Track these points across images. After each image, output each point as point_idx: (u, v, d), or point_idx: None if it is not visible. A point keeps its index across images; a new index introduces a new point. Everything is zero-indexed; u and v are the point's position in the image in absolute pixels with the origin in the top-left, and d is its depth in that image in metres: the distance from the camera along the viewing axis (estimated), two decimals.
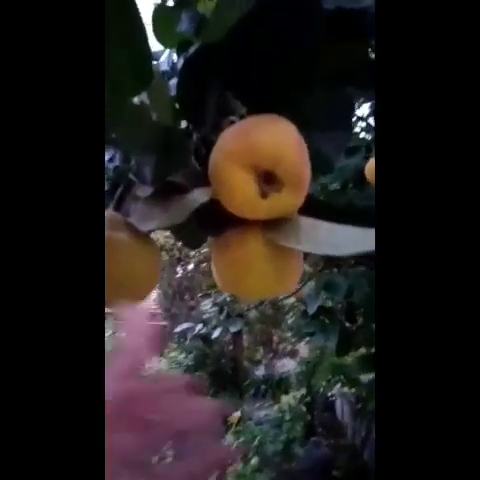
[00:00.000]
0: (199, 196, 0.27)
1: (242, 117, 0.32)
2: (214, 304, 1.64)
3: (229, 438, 1.99)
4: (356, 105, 1.36)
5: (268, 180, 0.25)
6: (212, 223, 0.31)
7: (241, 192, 0.25)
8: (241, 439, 1.98)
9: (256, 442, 1.97)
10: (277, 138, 0.25)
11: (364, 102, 1.19)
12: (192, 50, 0.32)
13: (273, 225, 0.27)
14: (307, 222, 0.27)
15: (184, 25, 0.42)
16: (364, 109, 1.36)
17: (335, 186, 1.29)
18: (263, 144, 0.24)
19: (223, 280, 0.32)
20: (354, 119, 1.38)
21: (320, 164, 0.37)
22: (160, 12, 0.46)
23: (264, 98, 0.30)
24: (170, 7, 0.46)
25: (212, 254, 0.32)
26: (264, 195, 0.25)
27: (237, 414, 2.02)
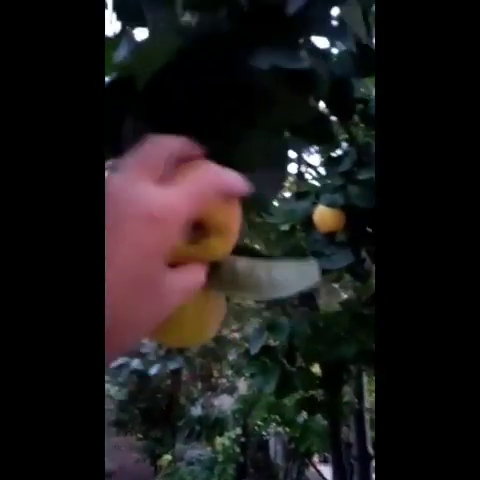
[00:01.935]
0: None
1: None
2: None
3: None
4: (307, 154, 1.44)
5: (194, 226, 0.25)
6: None
7: None
8: None
9: None
10: None
11: (315, 152, 1.26)
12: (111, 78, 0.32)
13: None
14: (243, 264, 0.26)
15: (122, 53, 0.43)
16: (315, 158, 1.44)
17: (285, 227, 1.33)
18: None
19: (158, 332, 0.30)
20: (305, 167, 1.45)
21: (256, 204, 0.38)
22: None
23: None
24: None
25: None
26: (192, 241, 0.25)
27: (167, 457, 1.92)
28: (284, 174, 0.42)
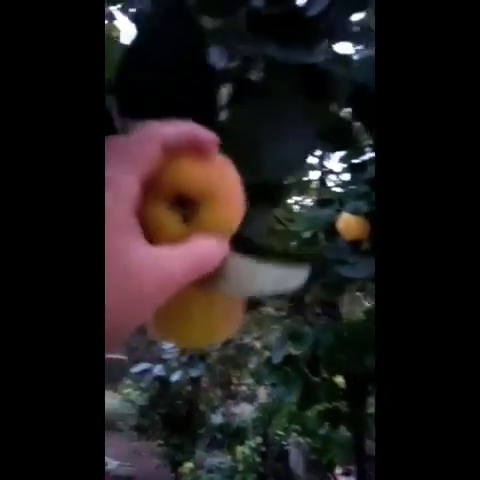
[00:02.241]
0: None
1: None
2: None
3: None
4: (328, 159, 1.42)
5: (182, 203, 0.23)
6: None
7: (161, 224, 0.22)
8: None
9: None
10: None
11: (339, 158, 1.24)
12: None
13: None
14: (234, 263, 0.24)
15: None
16: (337, 165, 1.42)
17: (307, 235, 1.31)
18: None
19: (163, 331, 0.29)
20: (327, 173, 1.43)
21: (285, 166, 0.37)
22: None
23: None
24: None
25: None
26: (185, 219, 0.23)
27: (189, 465, 1.91)
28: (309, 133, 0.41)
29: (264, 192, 0.43)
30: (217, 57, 0.41)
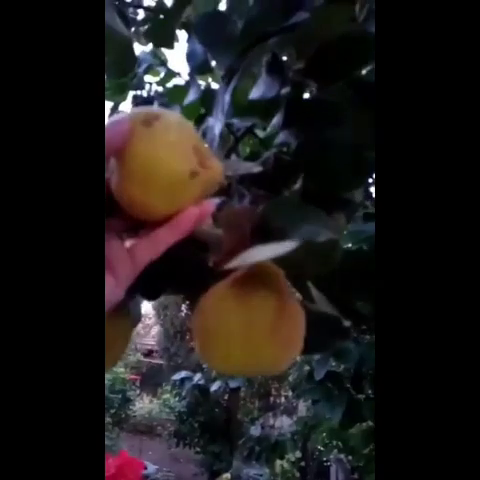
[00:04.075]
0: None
1: None
2: None
3: None
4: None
5: None
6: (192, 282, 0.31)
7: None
8: None
9: None
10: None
11: None
12: None
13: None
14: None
15: (191, 97, 0.54)
16: None
17: (353, 248, 1.28)
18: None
19: (202, 351, 0.28)
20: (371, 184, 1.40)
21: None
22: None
23: None
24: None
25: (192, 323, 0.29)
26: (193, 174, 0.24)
27: (227, 475, 1.91)
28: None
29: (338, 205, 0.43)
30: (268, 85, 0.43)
